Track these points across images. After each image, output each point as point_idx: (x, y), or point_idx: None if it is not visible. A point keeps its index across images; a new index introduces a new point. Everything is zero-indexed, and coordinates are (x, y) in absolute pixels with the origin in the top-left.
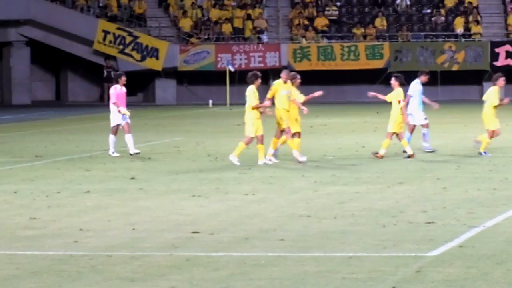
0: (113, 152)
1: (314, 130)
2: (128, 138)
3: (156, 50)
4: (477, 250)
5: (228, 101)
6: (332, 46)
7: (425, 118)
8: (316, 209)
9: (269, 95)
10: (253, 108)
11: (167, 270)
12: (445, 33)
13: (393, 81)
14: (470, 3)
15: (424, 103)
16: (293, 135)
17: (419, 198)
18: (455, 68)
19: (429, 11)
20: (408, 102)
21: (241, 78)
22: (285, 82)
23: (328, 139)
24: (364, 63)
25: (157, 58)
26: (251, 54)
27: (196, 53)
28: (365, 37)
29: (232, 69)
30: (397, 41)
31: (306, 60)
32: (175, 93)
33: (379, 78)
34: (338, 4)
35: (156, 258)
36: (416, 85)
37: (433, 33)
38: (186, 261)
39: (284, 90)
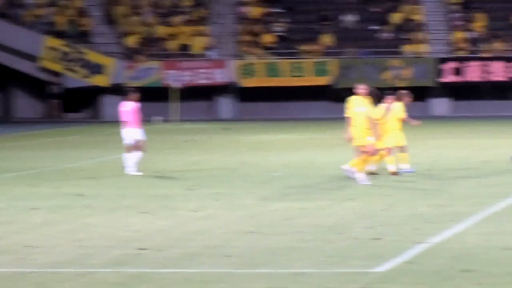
0: (137, 171)
1: (261, 146)
2: (135, 156)
3: (102, 66)
4: (424, 267)
5: (174, 117)
6: (279, 63)
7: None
8: (263, 226)
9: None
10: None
11: (114, 286)
12: (392, 50)
13: (388, 99)
14: (416, 20)
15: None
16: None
17: (367, 214)
18: (400, 84)
19: (375, 27)
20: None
21: (188, 94)
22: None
23: (275, 155)
24: (310, 80)
25: (103, 74)
26: (197, 70)
27: (143, 69)
28: (311, 53)
29: (177, 86)
30: (343, 58)
31: (252, 77)
32: None
33: (325, 94)
34: (285, 20)
35: (103, 274)
36: None
37: (380, 50)
38: (133, 278)
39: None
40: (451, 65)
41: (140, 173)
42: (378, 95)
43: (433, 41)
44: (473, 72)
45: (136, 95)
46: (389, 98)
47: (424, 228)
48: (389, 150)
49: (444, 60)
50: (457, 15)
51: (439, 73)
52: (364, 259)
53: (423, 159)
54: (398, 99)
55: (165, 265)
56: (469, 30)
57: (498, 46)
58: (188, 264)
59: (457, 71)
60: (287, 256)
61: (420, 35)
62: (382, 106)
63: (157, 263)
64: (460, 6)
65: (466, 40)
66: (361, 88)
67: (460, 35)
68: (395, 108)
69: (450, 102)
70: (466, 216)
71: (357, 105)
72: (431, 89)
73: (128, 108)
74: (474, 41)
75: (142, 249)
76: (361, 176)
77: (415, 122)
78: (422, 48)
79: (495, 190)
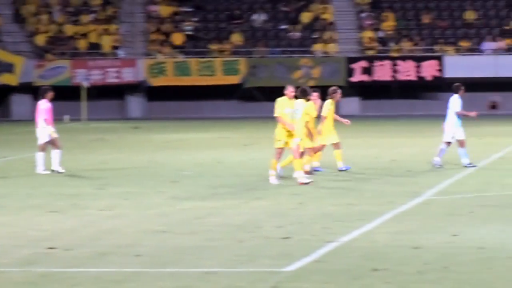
0: (43, 170)
1: (171, 145)
2: (56, 154)
3: (11, 65)
4: (333, 265)
5: (84, 116)
6: (188, 62)
7: (452, 137)
8: (172, 225)
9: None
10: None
11: (22, 286)
12: (301, 49)
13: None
14: (325, 19)
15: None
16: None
17: (276, 213)
18: (310, 83)
19: (285, 27)
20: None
21: (97, 93)
22: (290, 98)
23: (184, 154)
24: (220, 79)
25: (12, 73)
26: (107, 69)
27: (52, 68)
28: (221, 52)
29: (86, 85)
30: (253, 57)
31: (162, 76)
32: (31, 108)
33: (235, 93)
34: (195, 19)
35: (12, 274)
36: (459, 101)
37: (289, 49)
38: (41, 277)
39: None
40: (361, 64)
41: (63, 170)
42: (308, 93)
43: (342, 40)
44: (383, 72)
45: (51, 94)
46: (314, 96)
47: (334, 227)
48: (321, 148)
49: (353, 60)
50: (367, 14)
51: (349, 72)
52: (274, 258)
53: (332, 158)
54: (331, 96)
55: (74, 264)
56: (378, 29)
57: (407, 45)
58: (98, 263)
59: (367, 71)
60: (197, 255)
61: (330, 35)
62: (326, 103)
63: (67, 262)
64: (369, 6)
65: (375, 39)
66: (290, 89)
67: (369, 34)
68: (325, 106)
69: (360, 101)
70: (375, 215)
71: (286, 106)
72: (341, 88)
73: (43, 106)
74: (383, 41)
75: (51, 248)
76: (300, 175)
77: (345, 121)
78: (332, 48)
79: (404, 189)
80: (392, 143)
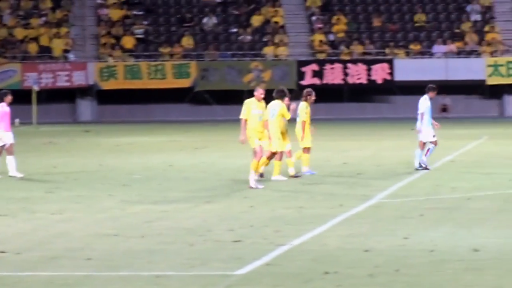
0: (18, 173)
1: (121, 149)
2: (11, 160)
3: None
4: (284, 269)
5: (34, 120)
6: (139, 65)
7: (434, 136)
8: (123, 228)
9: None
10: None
11: None
12: (252, 52)
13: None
14: (276, 22)
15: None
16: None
17: (227, 216)
18: (261, 87)
19: (236, 30)
20: (422, 119)
21: (47, 97)
22: (259, 100)
23: (135, 158)
24: (171, 82)
25: None
26: (57, 73)
27: (2, 71)
28: (172, 56)
29: (37, 88)
30: (204, 60)
31: (113, 79)
32: None
33: (186, 97)
34: (145, 23)
35: None
36: (425, 102)
37: (240, 52)
38: None
39: (256, 109)
40: (312, 67)
41: (21, 175)
42: (285, 94)
43: (293, 43)
44: (333, 75)
45: (10, 98)
46: (286, 99)
47: (285, 230)
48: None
49: (304, 63)
50: (317, 17)
51: (300, 75)
52: (225, 261)
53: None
54: (305, 98)
55: (24, 268)
56: (329, 32)
57: (358, 48)
58: (48, 267)
59: (318, 74)
60: (148, 258)
61: (280, 38)
62: (301, 107)
63: (17, 266)
64: (320, 9)
65: (326, 42)
66: (260, 91)
67: (320, 37)
68: (301, 110)
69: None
70: (326, 218)
71: (253, 108)
72: (292, 91)
73: (2, 110)
74: (334, 44)
75: (1, 252)
76: (252, 178)
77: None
78: (283, 51)
79: (355, 192)
80: (343, 146)
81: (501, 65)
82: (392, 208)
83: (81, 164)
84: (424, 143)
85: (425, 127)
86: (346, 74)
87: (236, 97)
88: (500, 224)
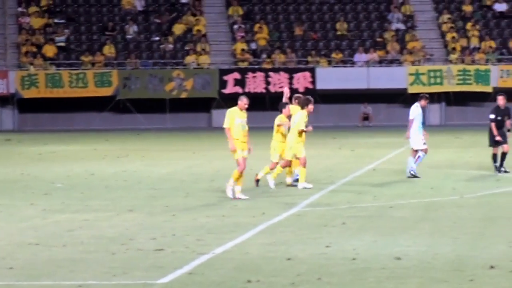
0: None
1: (43, 157)
2: None
3: None
4: (207, 277)
5: None
6: (60, 74)
7: (424, 143)
8: (45, 237)
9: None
10: (300, 132)
11: None
12: (174, 61)
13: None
14: (198, 31)
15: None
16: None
17: (149, 225)
18: (183, 95)
19: (157, 38)
20: (411, 126)
21: None
22: (242, 110)
23: (56, 166)
24: (92, 91)
25: None
26: None
27: None
28: (93, 64)
29: None
30: (126, 69)
31: (34, 88)
32: None
33: (108, 105)
34: (66, 31)
35: None
36: (416, 109)
37: (162, 61)
38: None
39: (239, 119)
40: (234, 76)
41: None
42: (310, 102)
43: (215, 52)
44: (255, 84)
45: None
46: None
47: (207, 239)
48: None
49: (226, 71)
50: (239, 26)
51: (222, 84)
52: (147, 270)
53: (206, 170)
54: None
55: None
56: (251, 41)
57: (280, 57)
58: None
59: (240, 82)
60: (70, 267)
61: (202, 46)
62: (300, 116)
63: None
64: (242, 18)
65: (248, 51)
66: (244, 100)
67: (242, 46)
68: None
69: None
70: (249, 227)
71: (236, 117)
72: (214, 100)
73: None
74: (256, 53)
75: None
76: (237, 189)
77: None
78: (205, 59)
79: (277, 201)
80: (265, 155)
81: (423, 74)
82: (314, 217)
83: (3, 173)
84: (416, 151)
85: (416, 134)
86: (268, 83)
87: (158, 106)
88: (422, 232)
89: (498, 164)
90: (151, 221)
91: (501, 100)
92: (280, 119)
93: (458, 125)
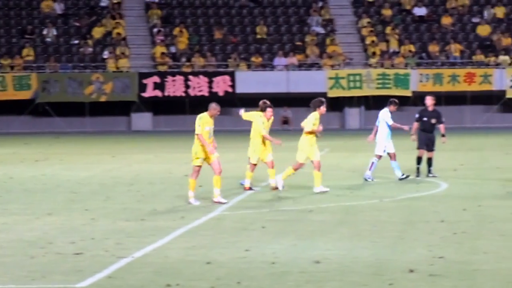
0: None
1: None
2: None
3: None
4: (126, 281)
5: None
6: None
7: (384, 151)
8: None
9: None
10: (307, 133)
11: None
12: (93, 64)
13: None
14: (118, 34)
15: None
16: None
17: (68, 229)
18: (103, 99)
19: (76, 42)
20: (376, 130)
21: None
22: (212, 117)
23: None
24: (11, 94)
25: None
26: None
27: None
28: (12, 67)
29: None
30: (45, 72)
31: None
32: None
33: (26, 109)
34: None
35: None
36: (386, 114)
37: (81, 64)
38: None
39: (208, 126)
40: (153, 79)
41: None
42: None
43: (135, 55)
44: (175, 87)
45: None
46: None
47: (127, 243)
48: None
49: (146, 75)
50: (159, 30)
51: (141, 87)
52: (67, 274)
53: (125, 173)
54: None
55: None
56: (170, 45)
57: (199, 61)
58: None
59: (159, 86)
60: None
61: (122, 50)
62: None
63: None
64: (161, 21)
65: (167, 55)
66: (217, 108)
67: (161, 50)
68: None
69: (152, 117)
70: (168, 231)
71: (207, 124)
72: (133, 103)
73: None
74: (175, 56)
75: None
76: (217, 193)
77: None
78: (124, 63)
79: (197, 205)
80: (185, 158)
81: (342, 78)
82: (234, 220)
83: None
84: (394, 153)
85: (383, 139)
86: (187, 86)
87: (77, 109)
88: (341, 236)
89: (420, 166)
90: (70, 225)
91: (428, 100)
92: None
93: None
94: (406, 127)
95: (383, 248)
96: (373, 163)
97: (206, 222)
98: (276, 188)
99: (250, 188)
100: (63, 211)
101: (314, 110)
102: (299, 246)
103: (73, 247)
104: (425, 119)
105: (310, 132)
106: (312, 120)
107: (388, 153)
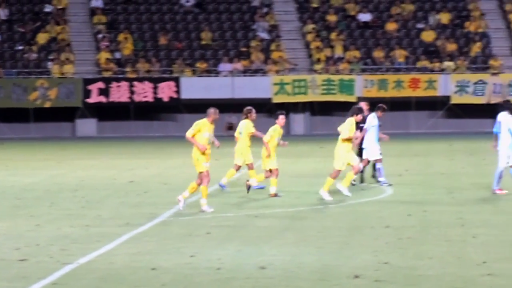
0: None
1: None
2: None
3: None
4: (71, 287)
5: None
6: None
7: (380, 153)
8: None
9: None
10: (344, 140)
11: None
12: (38, 70)
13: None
14: (63, 40)
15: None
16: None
17: (12, 235)
18: (47, 105)
19: (21, 47)
20: (364, 136)
21: None
22: (211, 123)
23: None
24: None
25: None
26: None
27: None
28: None
29: None
30: None
31: None
32: None
33: None
34: None
35: None
36: (373, 119)
37: (26, 70)
38: None
39: (207, 132)
40: (98, 85)
41: None
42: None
43: (79, 61)
44: (120, 93)
45: None
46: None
47: (72, 249)
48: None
49: (90, 81)
50: (104, 35)
51: (86, 93)
52: (10, 280)
53: (70, 179)
54: (245, 116)
55: None
56: (115, 50)
57: (144, 66)
58: None
59: (104, 92)
60: None
61: (66, 56)
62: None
63: None
64: (106, 27)
65: (112, 60)
66: (216, 113)
67: (106, 55)
68: (244, 126)
69: (97, 123)
70: (113, 237)
71: (204, 130)
72: (78, 109)
73: None
74: (120, 62)
75: None
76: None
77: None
78: (69, 69)
79: (142, 211)
80: (130, 164)
81: (287, 84)
82: (179, 226)
83: None
84: (369, 161)
85: (373, 145)
86: (132, 92)
87: (22, 115)
88: (286, 241)
89: (364, 174)
90: (15, 231)
91: (363, 106)
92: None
93: (322, 134)
94: (386, 137)
95: (328, 253)
96: (379, 169)
97: (151, 228)
98: (276, 195)
99: (249, 188)
100: (8, 217)
101: (351, 116)
102: (245, 251)
103: (18, 254)
104: (362, 125)
105: (347, 139)
106: (348, 126)
107: (365, 159)
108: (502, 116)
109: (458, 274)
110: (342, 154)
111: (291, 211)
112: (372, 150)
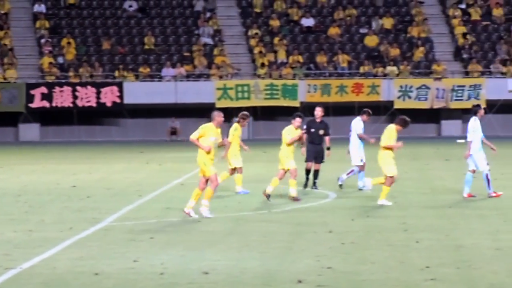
0: None
1: None
2: None
3: None
4: None
5: None
6: None
7: (361, 160)
8: None
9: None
10: (387, 148)
11: None
12: None
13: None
14: (5, 45)
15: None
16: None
17: None
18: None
19: None
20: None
21: None
22: (217, 126)
23: None
24: None
25: None
26: None
27: None
28: None
29: None
30: None
31: None
32: None
33: None
34: None
35: None
36: (359, 124)
37: None
38: None
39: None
40: (41, 90)
41: None
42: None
43: (22, 66)
44: (63, 98)
45: None
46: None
47: (14, 254)
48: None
49: (33, 86)
50: (46, 40)
51: (29, 98)
52: None
53: (13, 184)
54: (238, 120)
55: None
56: (58, 55)
57: (87, 71)
58: None
59: (47, 97)
60: None
61: (9, 60)
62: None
63: None
64: (49, 31)
65: (55, 65)
66: (220, 114)
67: (49, 60)
68: (232, 129)
69: (40, 128)
70: (56, 242)
71: (211, 134)
72: (21, 114)
73: None
74: (63, 67)
75: None
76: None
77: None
78: (12, 73)
79: (84, 215)
80: (73, 169)
81: (230, 88)
82: (122, 231)
83: None
84: (363, 164)
85: (356, 149)
86: (75, 97)
87: None
88: (230, 246)
89: (309, 178)
90: None
91: (318, 111)
92: (288, 131)
93: (265, 139)
94: (372, 140)
95: (271, 258)
96: (352, 170)
97: (95, 233)
98: (298, 199)
99: (268, 196)
100: None
101: (396, 125)
102: (188, 256)
103: None
104: (312, 130)
105: (387, 147)
106: (388, 134)
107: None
108: (471, 122)
109: (401, 279)
110: (390, 161)
111: (234, 215)
112: (354, 155)
